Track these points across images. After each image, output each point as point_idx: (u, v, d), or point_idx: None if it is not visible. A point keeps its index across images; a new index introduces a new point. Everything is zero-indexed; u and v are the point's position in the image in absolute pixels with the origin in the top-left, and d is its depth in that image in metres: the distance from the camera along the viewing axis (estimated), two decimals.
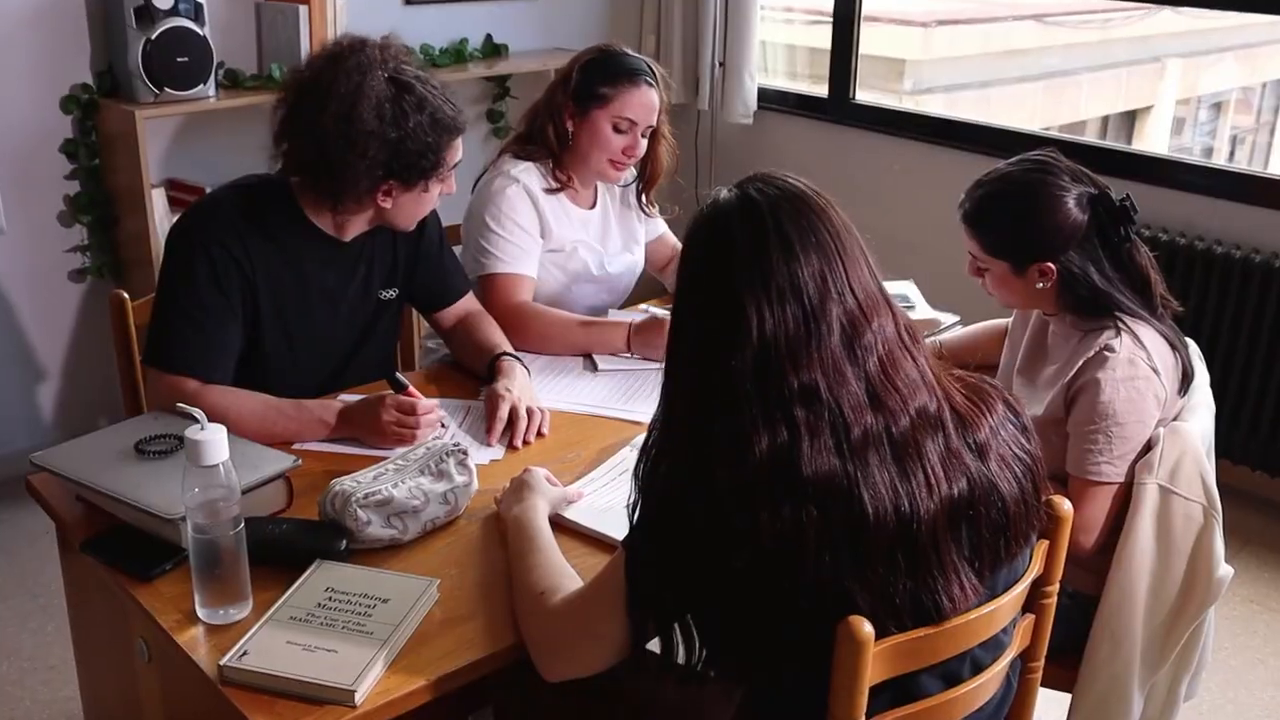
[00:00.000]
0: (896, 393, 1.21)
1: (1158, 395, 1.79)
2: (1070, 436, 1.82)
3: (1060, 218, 1.81)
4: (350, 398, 1.94)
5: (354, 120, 1.83)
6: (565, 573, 1.45)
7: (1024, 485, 1.28)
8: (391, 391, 1.87)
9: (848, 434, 1.17)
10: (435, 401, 1.92)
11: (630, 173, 2.49)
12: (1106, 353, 1.78)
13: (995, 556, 1.26)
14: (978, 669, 1.32)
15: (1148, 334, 1.82)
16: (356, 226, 1.99)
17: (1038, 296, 1.88)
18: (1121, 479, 1.79)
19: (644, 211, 2.60)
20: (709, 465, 1.19)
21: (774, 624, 1.20)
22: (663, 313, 2.30)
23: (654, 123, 2.38)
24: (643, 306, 2.45)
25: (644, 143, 2.39)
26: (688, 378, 1.24)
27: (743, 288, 1.19)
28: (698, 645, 1.28)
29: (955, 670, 1.30)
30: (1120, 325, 1.81)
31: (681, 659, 1.29)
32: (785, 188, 1.24)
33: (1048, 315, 1.95)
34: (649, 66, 2.36)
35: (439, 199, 2.00)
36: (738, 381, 1.18)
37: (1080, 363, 1.81)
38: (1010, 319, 2.14)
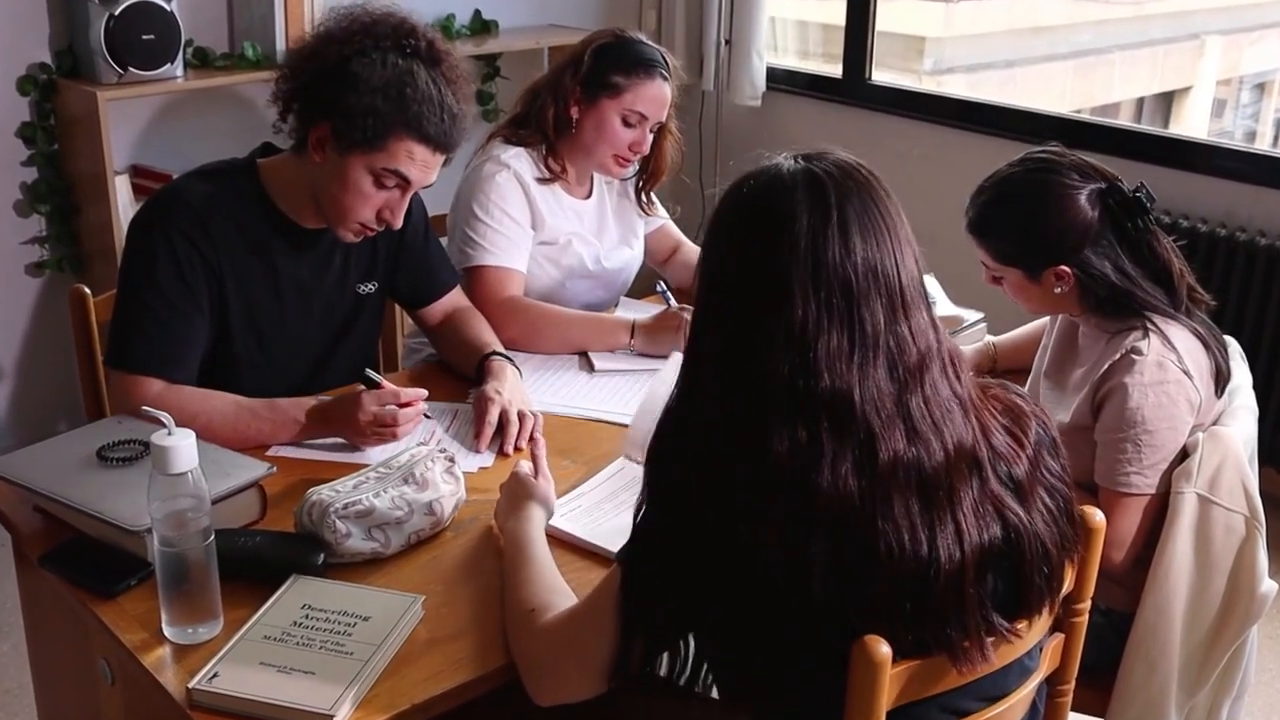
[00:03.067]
0: (934, 425, 1.19)
1: (1190, 400, 1.79)
2: (1098, 445, 1.82)
3: (1070, 217, 1.81)
4: (328, 398, 1.94)
5: (327, 29, 1.85)
6: (558, 589, 1.45)
7: (1061, 523, 1.27)
8: (363, 389, 1.87)
9: (874, 458, 1.16)
10: (420, 391, 1.90)
11: (632, 166, 2.49)
12: (1133, 355, 1.78)
13: (1038, 605, 1.25)
14: (1002, 693, 1.32)
15: (1178, 334, 1.82)
16: (309, 207, 1.95)
17: (1059, 301, 1.89)
18: (1153, 490, 1.80)
19: (643, 210, 2.60)
20: (726, 464, 1.18)
21: (775, 647, 1.21)
22: (677, 306, 2.31)
23: (663, 119, 2.39)
24: (659, 287, 2.45)
25: (650, 138, 2.40)
26: (715, 364, 1.22)
27: (794, 276, 1.17)
28: (694, 666, 1.28)
29: (980, 693, 1.30)
30: (1149, 326, 1.81)
31: (682, 681, 1.30)
32: (856, 175, 1.22)
33: (1075, 317, 1.95)
34: (664, 58, 2.37)
35: (381, 224, 1.92)
36: (769, 376, 1.17)
37: (1106, 366, 1.81)
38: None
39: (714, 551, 1.19)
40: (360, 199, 1.88)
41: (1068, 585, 1.38)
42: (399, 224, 1.94)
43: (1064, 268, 1.83)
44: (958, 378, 1.23)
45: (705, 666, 1.29)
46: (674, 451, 1.24)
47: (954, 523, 1.18)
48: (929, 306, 1.23)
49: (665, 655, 1.33)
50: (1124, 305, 1.84)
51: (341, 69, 1.82)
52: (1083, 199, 1.82)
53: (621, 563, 1.29)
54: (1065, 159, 1.86)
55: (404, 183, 1.88)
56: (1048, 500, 1.26)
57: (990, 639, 1.21)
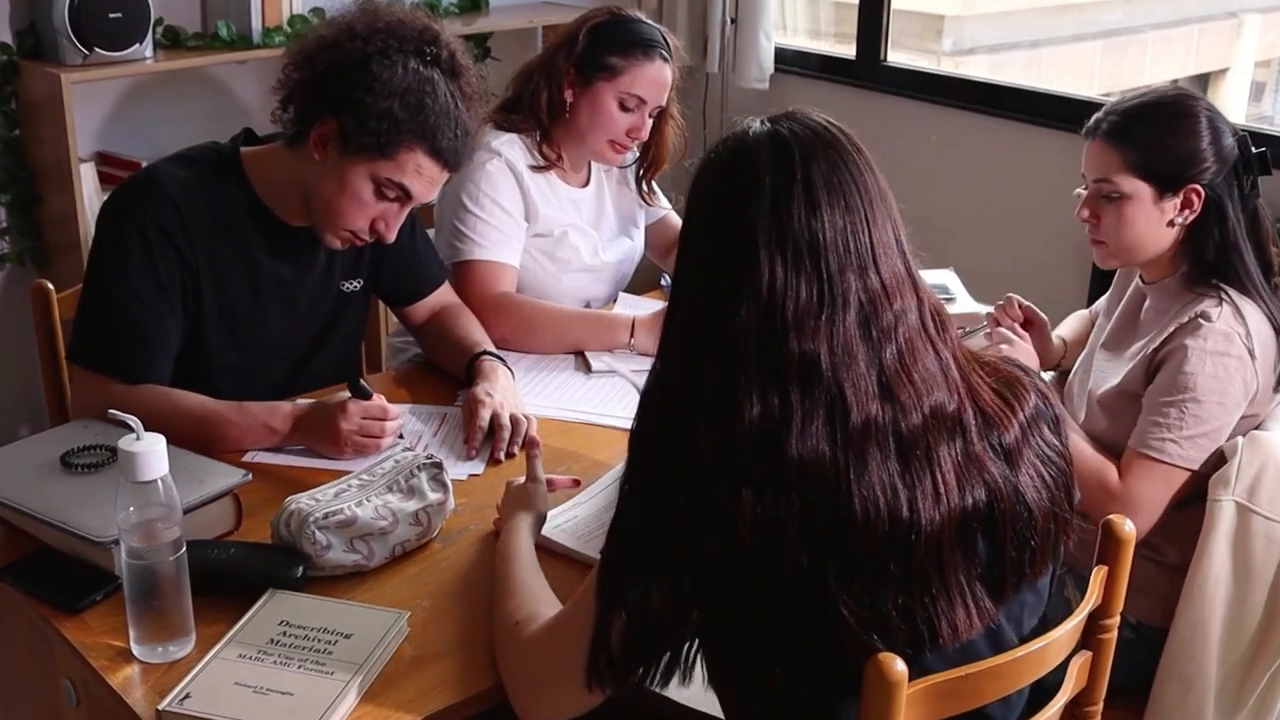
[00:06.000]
0: (911, 385, 1.22)
1: (1246, 381, 1.81)
2: (1143, 409, 1.85)
3: (1214, 141, 1.86)
4: (306, 403, 1.94)
5: (346, 24, 1.84)
6: (546, 600, 1.46)
7: (1055, 494, 1.29)
8: (350, 395, 1.87)
9: (845, 420, 1.19)
10: (402, 408, 1.91)
11: (631, 154, 2.49)
12: (1201, 320, 1.81)
13: (1019, 575, 1.27)
14: (1021, 714, 1.33)
15: (1252, 312, 1.84)
16: (296, 203, 1.95)
17: (1161, 242, 1.90)
18: (1186, 465, 1.81)
19: (644, 200, 2.60)
20: (698, 431, 1.21)
21: (756, 625, 1.22)
22: None
23: (663, 102, 2.39)
24: (663, 281, 2.45)
25: (650, 123, 2.40)
26: (687, 328, 1.26)
27: (760, 236, 1.21)
28: (669, 664, 1.30)
29: (1000, 712, 1.31)
30: (1223, 296, 1.84)
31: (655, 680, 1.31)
32: (823, 134, 1.26)
33: (1148, 283, 1.97)
34: (664, 38, 2.37)
35: (372, 236, 1.92)
36: (737, 338, 1.21)
37: (1172, 329, 1.84)
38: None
39: (690, 523, 1.21)
40: (357, 206, 1.88)
41: (1095, 598, 1.38)
42: (392, 238, 1.95)
43: (1198, 187, 1.85)
44: (941, 336, 1.26)
45: (685, 662, 1.30)
46: (653, 424, 1.28)
47: (933, 483, 1.21)
48: (910, 265, 1.26)
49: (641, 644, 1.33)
50: (1218, 267, 1.86)
51: (361, 66, 1.82)
52: (1225, 133, 1.87)
53: (606, 542, 1.31)
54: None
55: (405, 196, 1.89)
56: (1042, 470, 1.28)
57: (977, 610, 1.23)
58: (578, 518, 1.72)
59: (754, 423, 1.19)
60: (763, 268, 1.20)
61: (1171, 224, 1.88)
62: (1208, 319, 1.81)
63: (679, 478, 1.22)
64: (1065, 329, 2.34)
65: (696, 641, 1.29)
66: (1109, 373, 1.95)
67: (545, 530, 1.66)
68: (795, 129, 1.26)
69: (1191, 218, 1.87)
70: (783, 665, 1.23)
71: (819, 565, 1.18)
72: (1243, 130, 1.91)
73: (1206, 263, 1.87)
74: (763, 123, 1.28)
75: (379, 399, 1.86)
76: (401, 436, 1.91)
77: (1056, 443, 1.32)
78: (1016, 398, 1.30)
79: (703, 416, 1.21)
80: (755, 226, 1.22)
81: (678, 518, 1.22)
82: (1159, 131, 1.88)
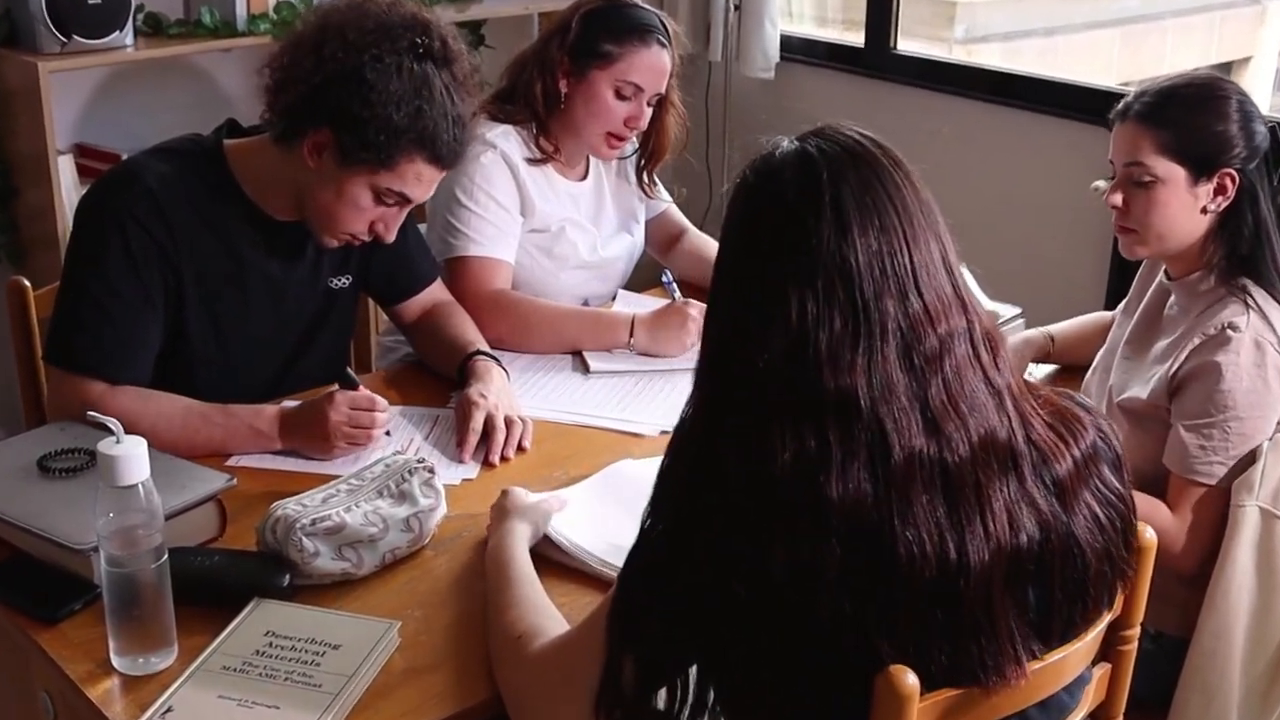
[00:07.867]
0: (958, 417, 1.19)
1: None
2: (1179, 428, 1.84)
3: (1248, 127, 1.87)
4: (292, 404, 1.94)
5: (335, 27, 1.83)
6: (547, 613, 1.46)
7: (1111, 536, 1.27)
8: (338, 388, 1.88)
9: (887, 458, 1.16)
10: (392, 410, 1.92)
11: (630, 144, 2.49)
12: (1230, 331, 1.81)
13: (1068, 623, 1.25)
14: None
15: (1277, 316, 1.84)
16: (283, 199, 1.95)
17: (1193, 231, 1.90)
18: (1227, 482, 1.82)
19: (645, 192, 2.60)
20: (729, 473, 1.19)
21: (791, 678, 1.20)
22: (683, 300, 2.31)
23: (662, 90, 2.39)
24: (664, 278, 2.45)
25: (649, 112, 2.39)
26: (718, 358, 1.24)
27: (786, 269, 1.18)
28: (697, 702, 1.28)
29: None
30: (1248, 301, 1.84)
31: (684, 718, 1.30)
32: (854, 149, 1.23)
33: (1173, 279, 1.96)
34: (662, 23, 2.37)
35: (371, 236, 1.94)
36: (768, 378, 1.18)
37: (1196, 341, 1.84)
38: (1113, 313, 2.19)
39: (718, 568, 1.19)
40: (356, 213, 1.90)
41: (1115, 611, 1.38)
42: (391, 239, 1.96)
43: (1234, 172, 1.86)
44: (995, 363, 1.23)
45: (710, 702, 1.29)
46: (682, 462, 1.25)
47: (983, 523, 1.18)
48: (959, 285, 1.23)
49: (664, 689, 1.33)
50: (1250, 259, 1.87)
51: (355, 75, 1.81)
52: (1257, 119, 1.88)
53: (622, 572, 1.30)
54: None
55: (404, 201, 1.90)
56: (1098, 511, 1.26)
57: (1027, 657, 1.21)
58: (577, 525, 1.71)
59: (787, 465, 1.16)
60: (791, 298, 1.17)
61: (1204, 211, 1.88)
62: (1236, 329, 1.81)
63: (707, 511, 1.20)
64: (1061, 325, 2.33)
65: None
66: (1131, 375, 1.95)
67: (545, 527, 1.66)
68: (824, 146, 1.23)
69: (1225, 205, 1.87)
70: (804, 688, 1.21)
71: (860, 611, 1.15)
72: (1272, 121, 1.91)
73: (1240, 255, 1.87)
74: (791, 141, 1.25)
75: (365, 392, 1.88)
76: (389, 434, 1.92)
77: (1117, 484, 1.29)
78: (1071, 432, 1.27)
79: (733, 452, 1.19)
80: (781, 253, 1.19)
81: (703, 549, 1.20)
82: (1192, 111, 1.89)
